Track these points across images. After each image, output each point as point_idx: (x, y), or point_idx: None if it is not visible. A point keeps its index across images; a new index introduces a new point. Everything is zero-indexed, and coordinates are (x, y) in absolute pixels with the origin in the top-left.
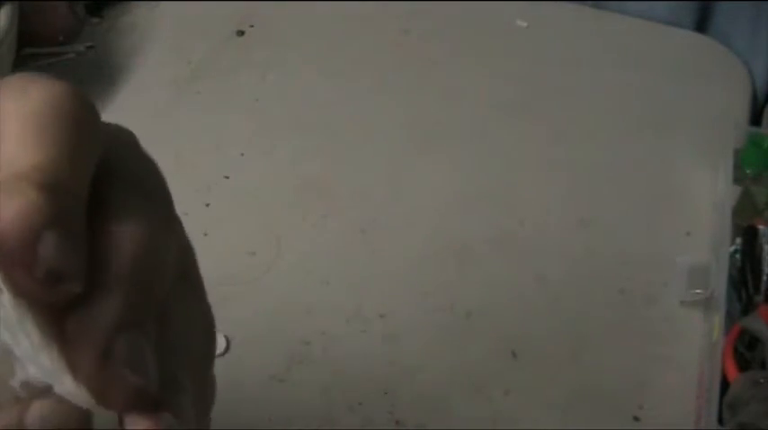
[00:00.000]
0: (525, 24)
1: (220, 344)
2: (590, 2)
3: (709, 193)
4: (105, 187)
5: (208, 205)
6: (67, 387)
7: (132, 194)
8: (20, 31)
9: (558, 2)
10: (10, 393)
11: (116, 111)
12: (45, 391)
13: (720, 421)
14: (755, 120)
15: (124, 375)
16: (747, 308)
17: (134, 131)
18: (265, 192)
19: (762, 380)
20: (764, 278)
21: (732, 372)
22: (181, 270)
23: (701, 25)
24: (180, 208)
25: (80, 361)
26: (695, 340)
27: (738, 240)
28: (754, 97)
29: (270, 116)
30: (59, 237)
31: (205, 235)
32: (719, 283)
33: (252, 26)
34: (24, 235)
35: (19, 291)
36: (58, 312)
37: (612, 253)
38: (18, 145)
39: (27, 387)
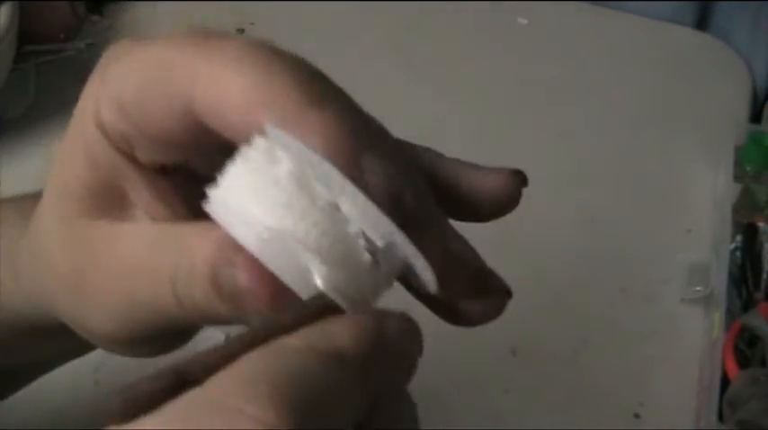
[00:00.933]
0: (526, 22)
1: (219, 342)
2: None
3: (710, 191)
4: None
5: None
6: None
7: None
8: (20, 29)
9: (559, 0)
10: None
11: None
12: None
13: (721, 418)
14: (756, 117)
15: (467, 260)
16: (747, 305)
17: None
18: None
19: (762, 378)
20: (764, 275)
21: (732, 370)
22: None
23: (702, 23)
24: None
25: (434, 251)
26: (695, 337)
27: (739, 238)
28: (755, 95)
29: None
30: (384, 157)
31: None
32: (720, 281)
33: (252, 24)
34: (346, 159)
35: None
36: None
37: (613, 251)
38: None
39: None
